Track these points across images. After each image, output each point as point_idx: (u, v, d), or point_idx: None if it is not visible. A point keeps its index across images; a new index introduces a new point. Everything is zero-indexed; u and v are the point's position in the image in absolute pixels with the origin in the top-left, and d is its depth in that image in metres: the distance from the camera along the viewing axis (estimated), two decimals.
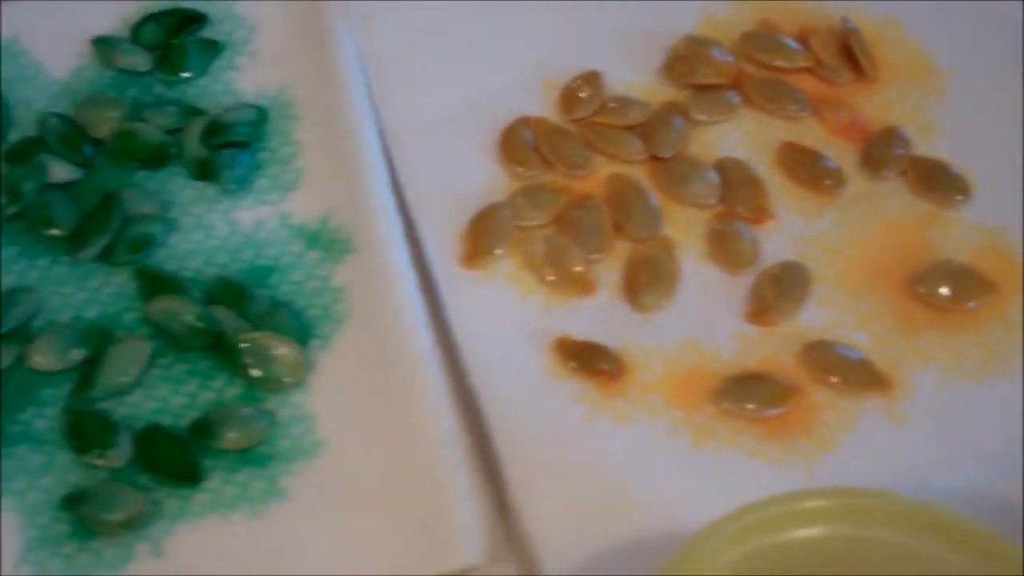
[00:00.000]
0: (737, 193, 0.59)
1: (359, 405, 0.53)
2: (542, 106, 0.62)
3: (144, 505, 0.50)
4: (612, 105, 0.61)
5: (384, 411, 0.52)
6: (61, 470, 0.52)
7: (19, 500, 0.51)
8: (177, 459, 0.52)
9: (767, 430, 0.53)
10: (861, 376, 0.54)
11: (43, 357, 0.54)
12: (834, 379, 0.53)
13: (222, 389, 0.54)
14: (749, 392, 0.53)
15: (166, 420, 0.53)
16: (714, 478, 0.51)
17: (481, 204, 0.58)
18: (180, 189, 0.59)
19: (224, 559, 0.50)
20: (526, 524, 0.50)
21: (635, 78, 0.63)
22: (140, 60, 0.62)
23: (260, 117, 0.60)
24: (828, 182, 0.59)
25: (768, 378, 0.54)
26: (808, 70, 0.63)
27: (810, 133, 0.61)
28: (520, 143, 0.60)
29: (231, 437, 0.52)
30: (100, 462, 0.51)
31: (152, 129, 0.59)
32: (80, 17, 0.64)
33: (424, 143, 0.60)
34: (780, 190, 0.59)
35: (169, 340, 0.54)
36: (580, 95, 0.62)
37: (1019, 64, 0.63)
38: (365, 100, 0.60)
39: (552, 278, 0.56)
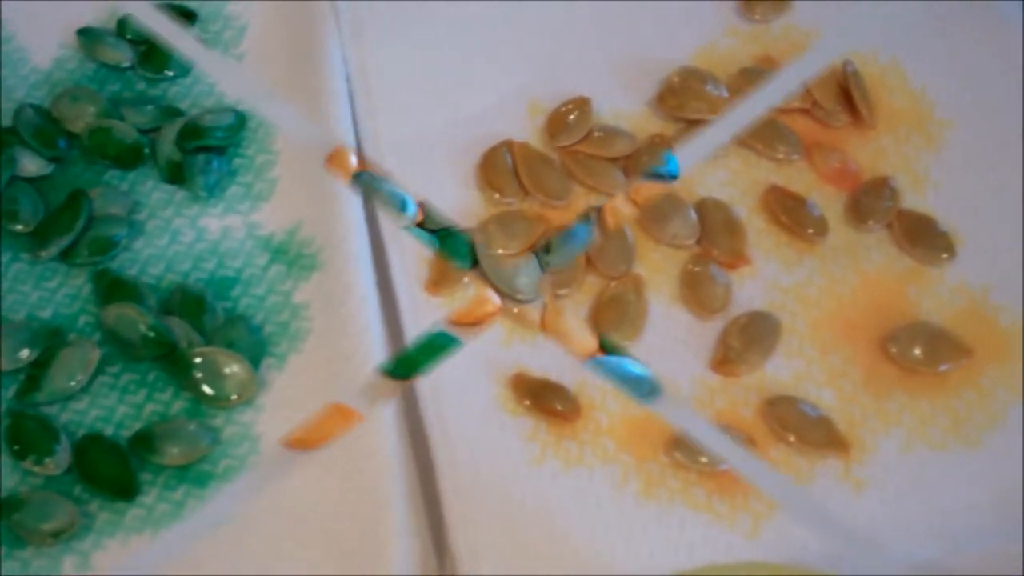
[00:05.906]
0: (715, 235, 0.57)
1: None
2: (527, 130, 0.60)
3: (76, 517, 0.50)
4: (598, 135, 0.60)
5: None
6: None
7: None
8: (115, 472, 0.51)
9: (718, 485, 0.52)
10: (819, 436, 0.52)
11: None
12: (791, 437, 0.52)
13: (169, 402, 0.53)
14: None
15: (108, 430, 0.52)
16: (658, 530, 0.50)
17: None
18: (150, 192, 0.58)
19: None
20: (461, 564, 0.49)
21: (626, 107, 0.61)
22: (124, 55, 0.61)
23: (239, 121, 0.59)
24: (810, 230, 0.57)
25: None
26: (804, 111, 0.61)
27: (799, 177, 0.60)
28: (500, 168, 0.58)
29: (172, 452, 0.51)
30: (37, 468, 0.51)
31: (127, 127, 0.58)
32: (68, 6, 0.63)
33: (402, 161, 0.58)
34: (760, 235, 0.58)
35: (120, 348, 0.53)
36: (567, 121, 0.60)
37: (1020, 120, 0.60)
38: (346, 112, 0.58)
39: (516, 311, 0.55)
